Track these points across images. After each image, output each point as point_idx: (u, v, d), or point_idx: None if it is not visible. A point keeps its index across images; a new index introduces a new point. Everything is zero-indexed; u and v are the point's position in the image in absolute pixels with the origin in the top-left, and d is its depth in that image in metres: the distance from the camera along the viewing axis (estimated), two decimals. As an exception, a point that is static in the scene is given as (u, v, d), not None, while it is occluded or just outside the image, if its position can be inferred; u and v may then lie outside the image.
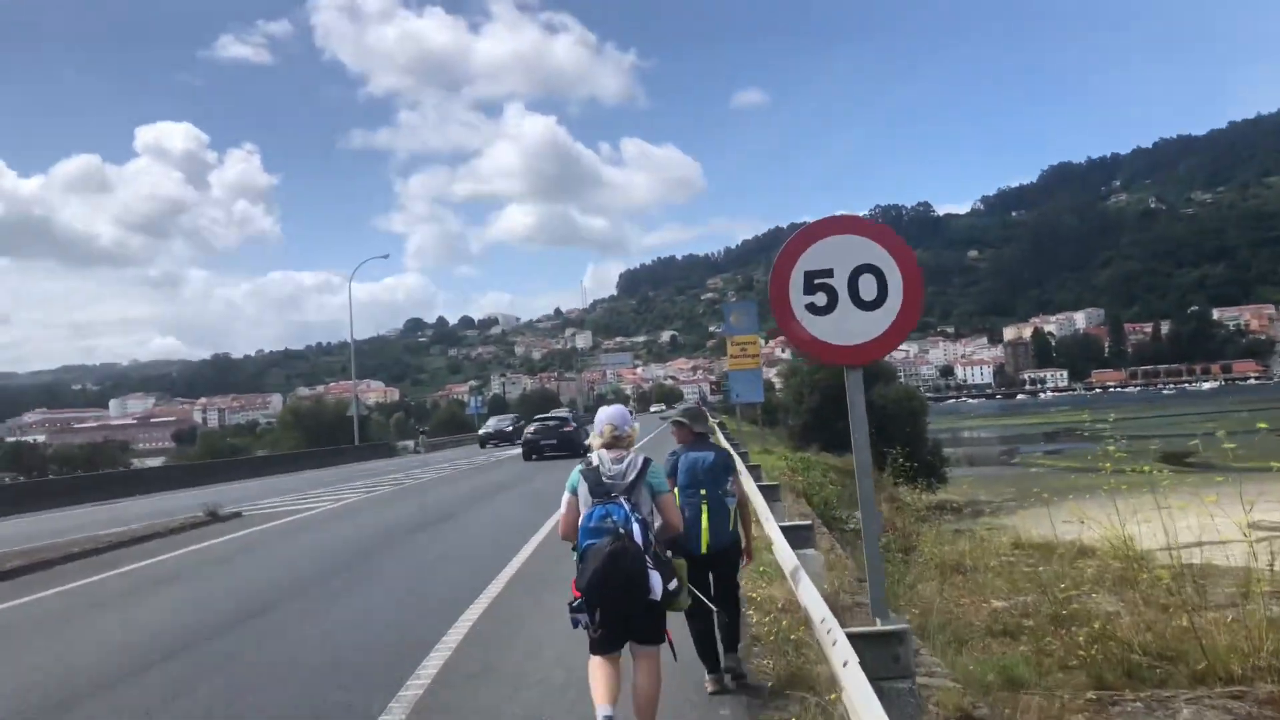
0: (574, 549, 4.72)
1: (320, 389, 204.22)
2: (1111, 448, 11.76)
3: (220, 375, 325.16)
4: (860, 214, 6.95)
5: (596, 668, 4.56)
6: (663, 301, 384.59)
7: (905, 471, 28.66)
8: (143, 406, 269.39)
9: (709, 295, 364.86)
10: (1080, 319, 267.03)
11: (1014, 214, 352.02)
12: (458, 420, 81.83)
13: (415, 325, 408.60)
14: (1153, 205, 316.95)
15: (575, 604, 4.59)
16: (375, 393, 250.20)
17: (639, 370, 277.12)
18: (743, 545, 6.06)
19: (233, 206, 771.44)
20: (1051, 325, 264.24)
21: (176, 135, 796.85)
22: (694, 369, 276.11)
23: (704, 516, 5.78)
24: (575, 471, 4.90)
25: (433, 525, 14.98)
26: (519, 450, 34.59)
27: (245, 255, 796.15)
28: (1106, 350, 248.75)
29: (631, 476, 4.71)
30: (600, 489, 4.66)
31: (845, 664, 3.88)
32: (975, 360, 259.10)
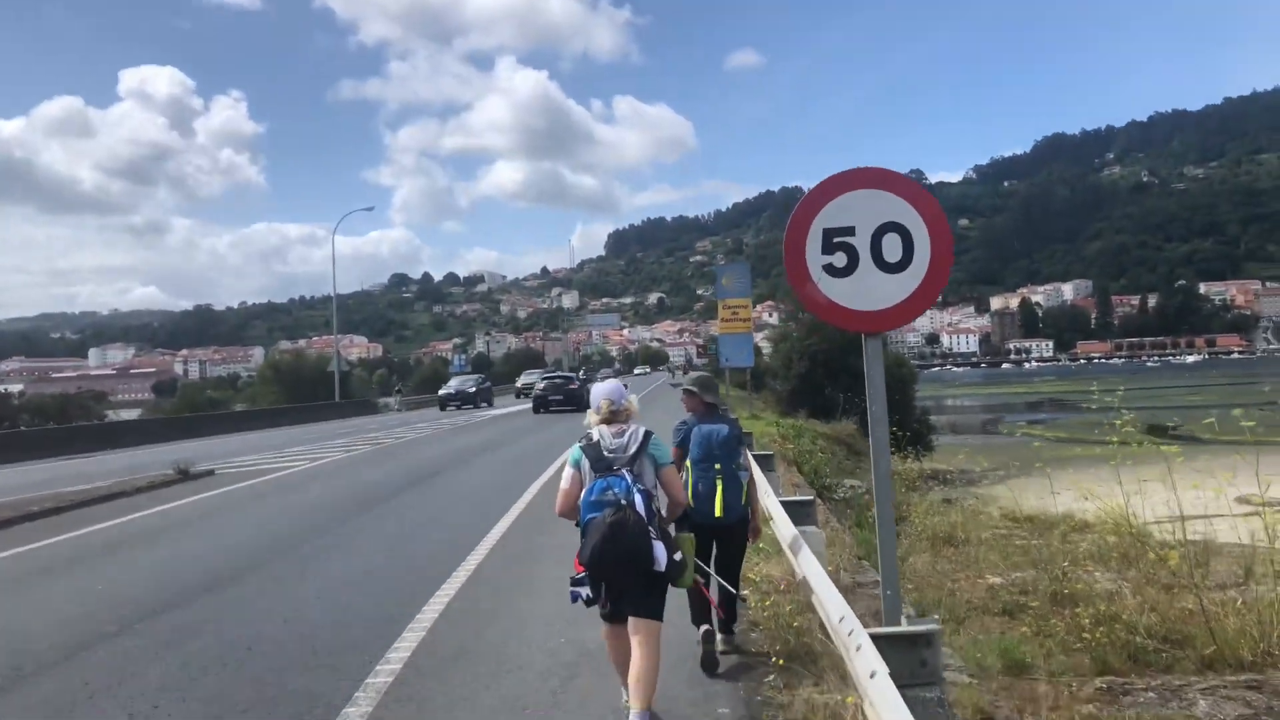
0: (576, 524, 4.63)
1: (303, 343, 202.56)
2: (1119, 421, 11.44)
3: (202, 327, 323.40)
4: None
5: (612, 642, 4.60)
6: (651, 263, 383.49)
7: (895, 440, 28.40)
8: (123, 357, 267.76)
9: (698, 258, 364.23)
10: (1068, 290, 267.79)
11: (1006, 184, 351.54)
12: (441, 378, 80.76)
13: (400, 280, 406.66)
14: (1145, 179, 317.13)
15: (577, 578, 4.53)
16: (358, 348, 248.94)
17: (625, 332, 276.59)
18: (752, 522, 5.92)
19: (218, 154, 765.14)
20: (1039, 295, 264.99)
21: (161, 79, 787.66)
22: (681, 331, 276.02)
23: (718, 489, 5.61)
24: (575, 449, 4.78)
25: (412, 488, 14.45)
26: (490, 412, 38.27)
27: (229, 205, 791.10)
28: (1093, 322, 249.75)
29: (633, 449, 4.64)
30: (602, 463, 4.58)
31: (873, 675, 3.36)
32: (961, 329, 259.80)
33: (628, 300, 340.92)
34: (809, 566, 5.22)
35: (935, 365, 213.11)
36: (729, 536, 5.77)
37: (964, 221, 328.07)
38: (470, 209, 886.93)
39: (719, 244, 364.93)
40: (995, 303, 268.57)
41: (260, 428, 36.90)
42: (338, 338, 56.69)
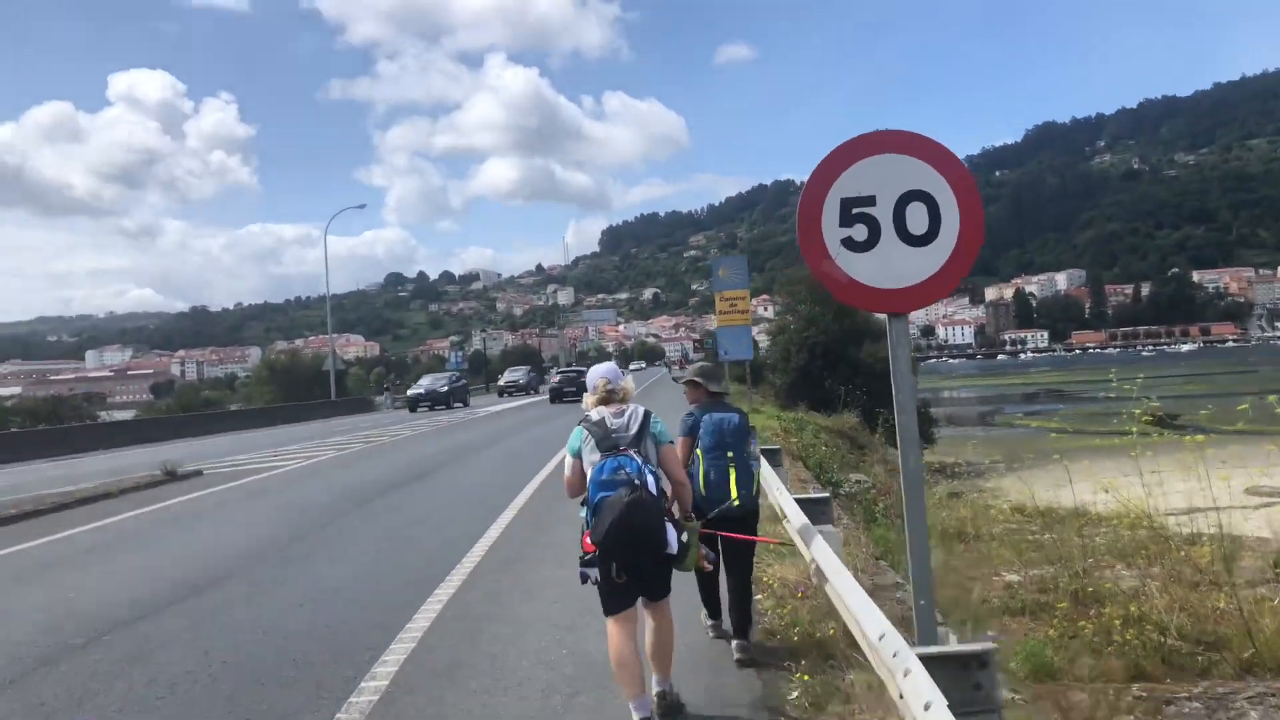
0: (583, 503, 4.52)
1: (299, 342, 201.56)
2: (1139, 410, 11.04)
3: (198, 328, 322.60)
4: None
5: (617, 641, 4.42)
6: (645, 258, 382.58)
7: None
8: (120, 359, 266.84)
9: (692, 252, 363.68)
10: (1061, 280, 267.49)
11: (998, 173, 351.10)
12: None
13: (396, 280, 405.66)
14: (1135, 166, 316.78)
15: (586, 558, 4.44)
16: (355, 347, 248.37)
17: (621, 327, 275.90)
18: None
19: (209, 157, 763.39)
20: (1033, 286, 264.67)
21: (152, 83, 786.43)
22: (676, 326, 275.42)
23: (732, 477, 5.49)
24: (577, 430, 4.68)
25: (406, 486, 13.99)
26: (484, 409, 38.11)
27: (222, 207, 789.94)
28: (1087, 311, 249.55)
29: (635, 428, 4.58)
30: (607, 442, 4.52)
31: (928, 706, 2.91)
32: (956, 320, 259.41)
33: (623, 296, 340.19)
34: (836, 574, 4.78)
35: (931, 357, 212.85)
36: (740, 528, 5.54)
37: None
38: (464, 207, 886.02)
39: (713, 238, 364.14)
40: (990, 293, 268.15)
41: (255, 427, 36.38)
42: (333, 336, 56.13)
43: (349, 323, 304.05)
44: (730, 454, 5.54)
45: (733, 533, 5.43)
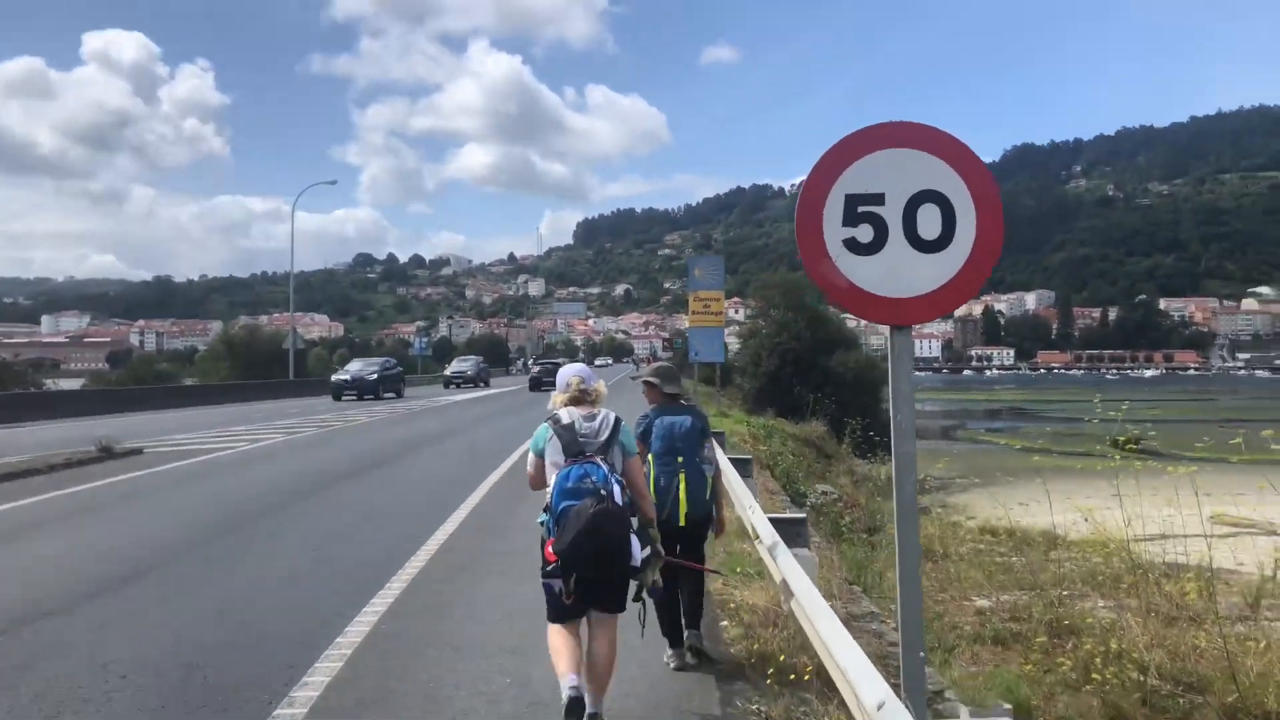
0: (545, 509, 4.30)
1: (264, 319, 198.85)
2: (1123, 437, 10.70)
3: (160, 298, 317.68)
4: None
5: (558, 636, 4.26)
6: (619, 254, 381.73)
7: (863, 444, 27.61)
8: (77, 325, 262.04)
9: (666, 251, 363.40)
10: (1031, 300, 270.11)
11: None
12: (401, 360, 79.55)
13: (365, 260, 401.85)
14: (1110, 193, 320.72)
15: (549, 568, 4.23)
16: (319, 326, 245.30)
17: (591, 322, 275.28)
18: (715, 516, 5.62)
19: (182, 124, 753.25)
20: (1002, 304, 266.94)
21: (127, 44, 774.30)
22: (646, 324, 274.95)
23: (682, 486, 5.31)
24: (543, 428, 4.49)
25: (354, 477, 13.32)
26: (449, 396, 38.62)
27: (193, 175, 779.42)
28: (1054, 332, 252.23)
29: (605, 435, 4.40)
30: (574, 447, 4.33)
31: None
32: (924, 334, 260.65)
33: (594, 290, 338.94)
34: (821, 617, 4.21)
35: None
36: (692, 533, 5.48)
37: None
38: (438, 191, 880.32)
39: (688, 238, 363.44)
40: (958, 309, 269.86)
41: (207, 404, 35.37)
42: (294, 315, 54.99)
43: (315, 302, 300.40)
44: (680, 459, 5.35)
45: (686, 543, 5.39)
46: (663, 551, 4.66)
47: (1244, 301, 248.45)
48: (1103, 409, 11.60)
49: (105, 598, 6.72)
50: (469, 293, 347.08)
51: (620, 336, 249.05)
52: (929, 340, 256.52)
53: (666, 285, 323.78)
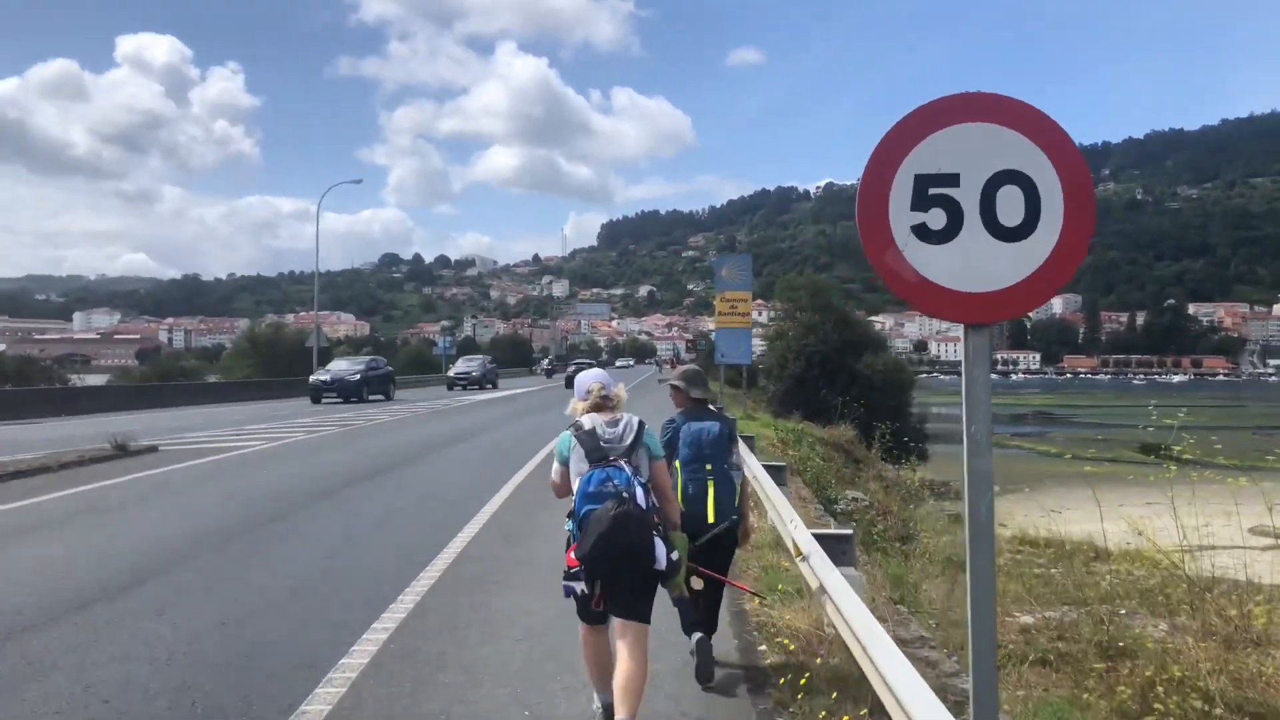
0: (569, 515, 4.26)
1: (290, 318, 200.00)
2: (1179, 447, 10.13)
3: (189, 296, 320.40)
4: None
5: (590, 644, 4.33)
6: (643, 255, 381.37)
7: (892, 449, 27.02)
8: (108, 322, 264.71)
9: (690, 253, 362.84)
10: (1058, 303, 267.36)
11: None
12: (424, 359, 79.44)
13: (391, 260, 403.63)
14: (1139, 196, 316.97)
15: (571, 572, 4.19)
16: (345, 325, 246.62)
17: (614, 323, 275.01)
18: (742, 526, 5.39)
19: (212, 125, 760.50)
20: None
21: (159, 47, 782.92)
22: (670, 325, 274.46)
23: (710, 492, 5.15)
24: (565, 436, 4.41)
25: (372, 479, 12.88)
26: (476, 395, 37.17)
27: (222, 176, 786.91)
28: (1081, 336, 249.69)
29: (629, 439, 4.31)
30: (597, 453, 4.25)
31: None
32: (949, 337, 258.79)
33: (618, 291, 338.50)
34: (883, 653, 3.70)
35: (923, 373, 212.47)
36: (718, 542, 5.22)
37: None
38: (463, 192, 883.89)
39: (712, 240, 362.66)
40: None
41: (229, 401, 35.15)
42: (318, 313, 54.71)
43: (341, 301, 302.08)
44: (709, 466, 5.19)
45: (714, 554, 5.15)
46: (687, 557, 4.53)
47: (1275, 307, 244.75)
48: (1158, 415, 11.02)
49: (98, 608, 6.29)
50: (494, 293, 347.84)
51: (643, 338, 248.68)
52: (954, 344, 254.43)
53: (690, 287, 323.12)
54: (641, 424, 4.42)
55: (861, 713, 4.31)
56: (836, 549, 5.74)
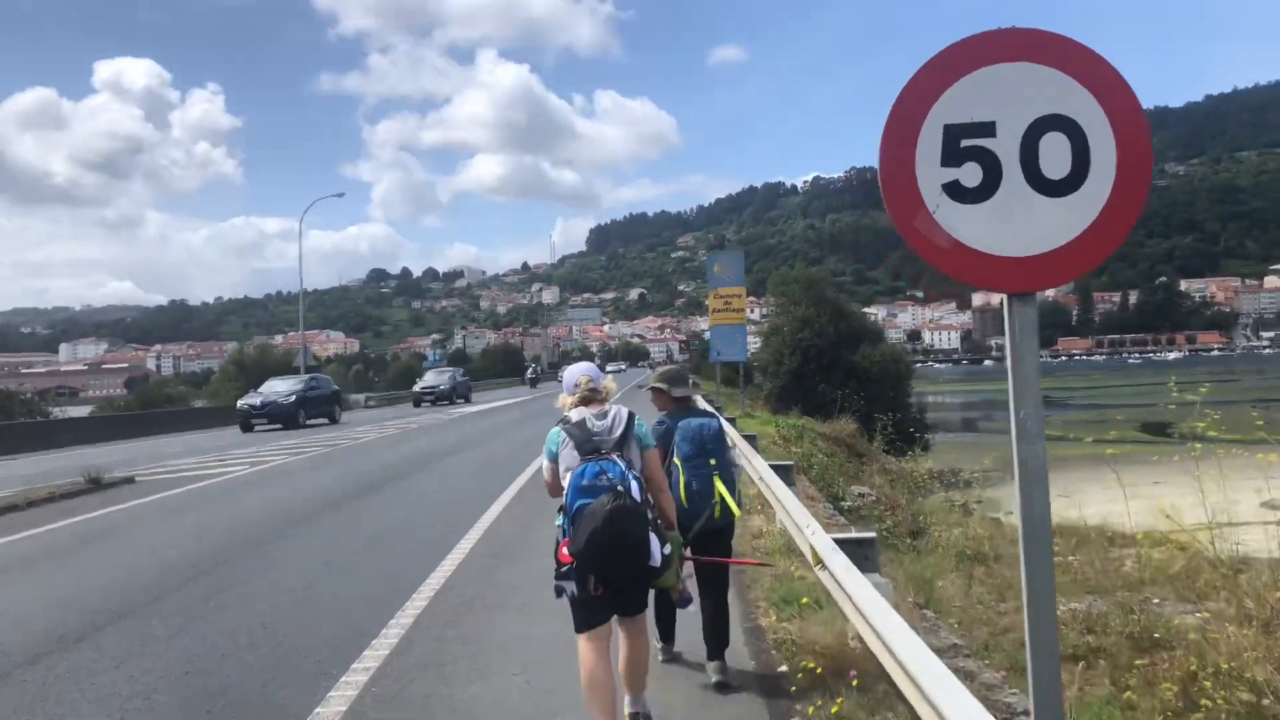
0: (559, 510, 4.16)
1: (279, 338, 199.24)
2: (1202, 424, 9.62)
3: (176, 322, 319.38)
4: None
5: (590, 662, 4.05)
6: (632, 258, 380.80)
7: (895, 441, 26.53)
8: (94, 352, 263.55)
9: (679, 253, 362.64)
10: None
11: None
12: (415, 374, 78.78)
13: (379, 276, 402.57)
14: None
15: (563, 570, 4.05)
16: (335, 343, 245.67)
17: (606, 328, 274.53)
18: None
19: (194, 148, 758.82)
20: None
21: (138, 72, 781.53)
22: (662, 327, 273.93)
23: (717, 487, 5.06)
24: (555, 432, 4.31)
25: (358, 499, 12.29)
26: (461, 409, 34.92)
27: (206, 199, 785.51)
28: (1074, 318, 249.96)
29: (619, 431, 4.21)
30: (588, 445, 4.16)
31: None
32: (943, 325, 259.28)
33: (609, 296, 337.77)
34: (933, 679, 3.15)
35: (918, 362, 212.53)
36: (719, 540, 5.17)
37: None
38: (450, 204, 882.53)
39: (701, 239, 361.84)
40: (977, 299, 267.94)
41: (215, 426, 34.45)
42: (304, 332, 54.06)
43: (330, 319, 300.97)
44: (713, 461, 5.12)
45: (711, 545, 5.07)
46: (684, 549, 4.61)
47: (1266, 279, 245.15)
48: (1179, 395, 10.53)
49: (50, 660, 5.69)
50: (484, 303, 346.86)
51: (636, 341, 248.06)
52: (947, 332, 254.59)
53: (680, 288, 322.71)
54: (631, 415, 4.30)
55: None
56: (859, 554, 5.20)
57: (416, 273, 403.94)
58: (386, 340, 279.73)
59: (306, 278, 51.77)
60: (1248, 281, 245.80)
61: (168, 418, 34.96)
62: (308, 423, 30.78)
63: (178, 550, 9.24)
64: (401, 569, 7.87)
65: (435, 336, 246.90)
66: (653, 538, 4.02)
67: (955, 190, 3.28)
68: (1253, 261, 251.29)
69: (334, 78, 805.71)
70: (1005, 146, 3.27)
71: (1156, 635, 7.47)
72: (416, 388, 46.55)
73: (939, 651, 5.82)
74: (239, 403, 31.39)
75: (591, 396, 4.39)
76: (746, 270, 26.52)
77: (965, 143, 3.29)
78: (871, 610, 3.93)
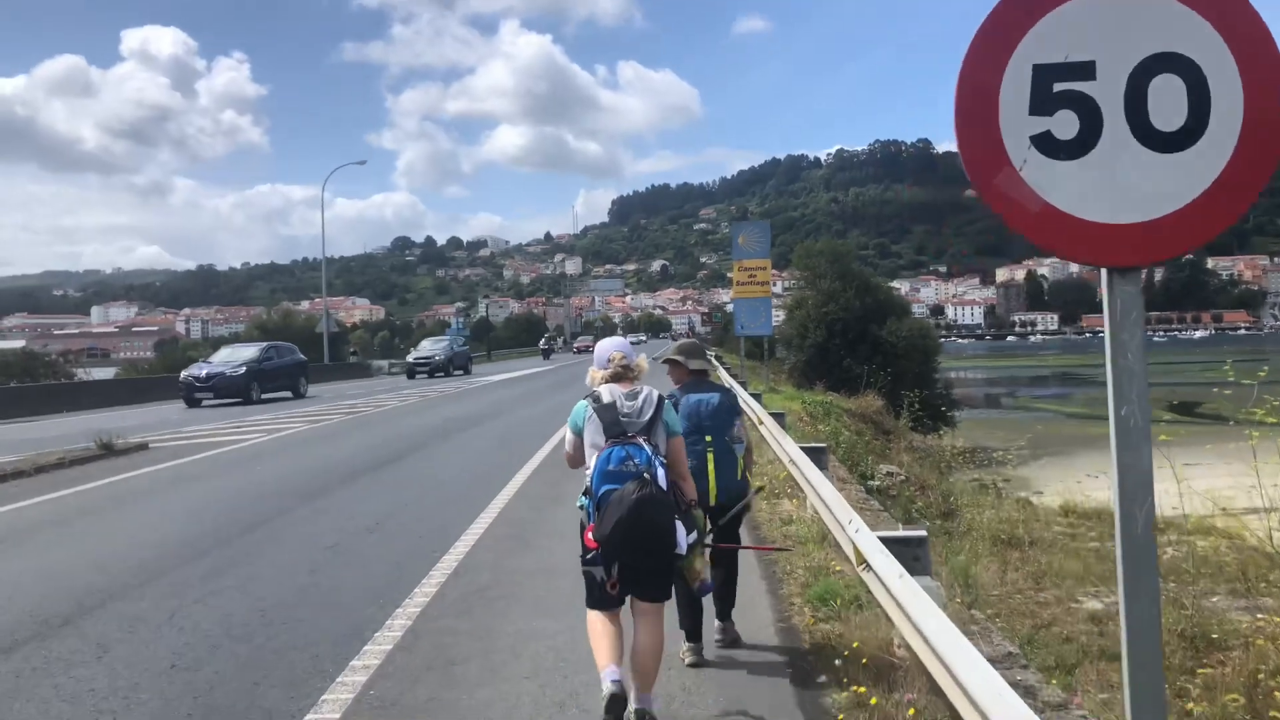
0: (584, 493, 4.06)
1: (305, 304, 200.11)
2: (1260, 411, 9.16)
3: (204, 287, 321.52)
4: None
5: (598, 624, 4.01)
6: (654, 230, 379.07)
7: (923, 418, 26.00)
8: (125, 315, 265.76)
9: (701, 225, 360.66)
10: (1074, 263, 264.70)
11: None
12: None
13: (403, 244, 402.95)
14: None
15: (589, 555, 4.00)
16: (361, 309, 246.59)
17: (628, 299, 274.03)
18: (747, 495, 5.25)
19: (220, 116, 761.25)
20: (1045, 268, 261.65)
21: (164, 40, 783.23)
22: (684, 299, 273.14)
23: (710, 466, 4.99)
24: (581, 406, 4.24)
25: (372, 472, 11.92)
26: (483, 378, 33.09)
27: (233, 166, 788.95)
28: (1098, 295, 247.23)
29: (649, 414, 4.09)
30: (615, 428, 4.04)
31: None
32: (966, 300, 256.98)
33: (631, 267, 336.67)
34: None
35: (941, 337, 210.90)
36: (724, 513, 5.03)
37: (970, 192, 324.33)
38: (473, 173, 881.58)
39: (723, 211, 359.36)
40: (1001, 274, 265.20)
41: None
42: (326, 297, 53.80)
43: (355, 286, 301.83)
44: (709, 438, 5.02)
45: (717, 520, 4.96)
46: (708, 536, 4.58)
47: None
48: (1235, 377, 9.96)
49: (28, 649, 5.26)
50: (507, 273, 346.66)
51: (658, 312, 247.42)
52: (970, 307, 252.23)
53: (703, 260, 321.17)
54: (662, 398, 4.22)
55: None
56: (908, 555, 4.70)
57: (441, 241, 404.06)
58: (411, 308, 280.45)
59: (332, 245, 51.67)
60: (1276, 260, 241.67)
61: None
62: (263, 398, 27.35)
63: (180, 525, 8.88)
64: (411, 551, 7.46)
65: (460, 305, 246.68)
66: (679, 525, 3.97)
67: (1046, 143, 2.78)
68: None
69: (358, 47, 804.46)
70: (1107, 91, 2.75)
71: (1214, 635, 6.99)
72: (409, 358, 42.57)
73: (994, 661, 5.34)
74: (182, 373, 27.85)
75: (623, 374, 4.27)
76: (770, 243, 25.86)
77: (1059, 87, 2.78)
78: (933, 631, 3.45)
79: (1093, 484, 17.17)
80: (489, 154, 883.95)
